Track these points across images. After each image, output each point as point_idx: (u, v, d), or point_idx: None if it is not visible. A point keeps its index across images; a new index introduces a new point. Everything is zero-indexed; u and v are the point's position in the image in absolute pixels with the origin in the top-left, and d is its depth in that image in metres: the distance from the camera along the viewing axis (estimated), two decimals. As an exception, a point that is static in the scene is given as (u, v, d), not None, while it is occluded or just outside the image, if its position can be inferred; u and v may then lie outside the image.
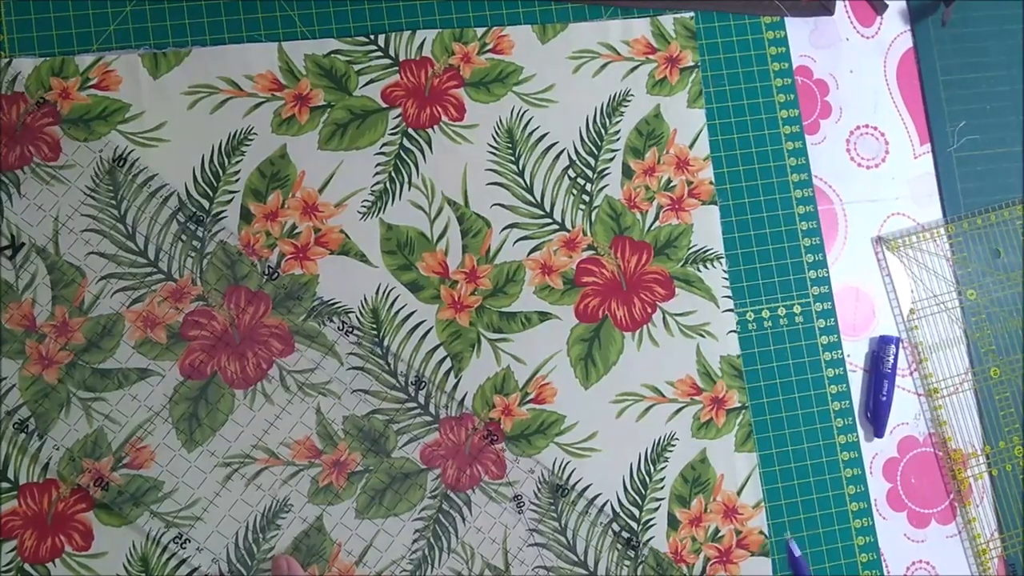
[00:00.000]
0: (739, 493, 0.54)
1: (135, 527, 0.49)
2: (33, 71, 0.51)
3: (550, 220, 0.55)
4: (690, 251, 0.56)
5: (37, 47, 0.52)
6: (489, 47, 0.55)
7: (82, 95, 0.52)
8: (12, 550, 0.48)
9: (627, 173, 0.56)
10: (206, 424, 0.50)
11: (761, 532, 0.54)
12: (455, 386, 0.52)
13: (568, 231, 0.55)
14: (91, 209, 0.51)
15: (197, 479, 0.50)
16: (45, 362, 0.49)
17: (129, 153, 0.51)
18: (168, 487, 0.50)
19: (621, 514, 0.53)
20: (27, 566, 0.48)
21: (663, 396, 0.54)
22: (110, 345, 0.50)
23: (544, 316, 0.54)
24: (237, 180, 0.52)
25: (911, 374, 0.58)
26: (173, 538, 0.49)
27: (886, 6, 0.60)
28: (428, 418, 0.52)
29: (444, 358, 0.53)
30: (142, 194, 0.51)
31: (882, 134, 0.59)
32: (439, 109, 0.54)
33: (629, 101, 0.56)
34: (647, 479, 0.53)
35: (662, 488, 0.53)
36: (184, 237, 0.51)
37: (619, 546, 0.52)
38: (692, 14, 0.57)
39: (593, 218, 0.55)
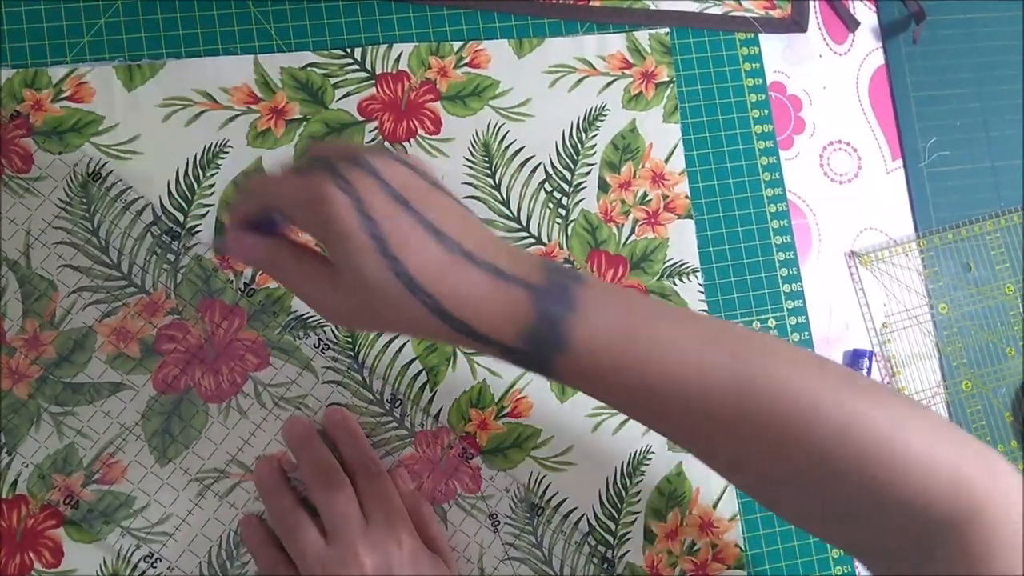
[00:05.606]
0: (715, 506, 0.54)
1: (105, 544, 0.48)
2: (5, 83, 0.51)
3: (526, 233, 0.55)
4: (666, 265, 0.56)
5: (9, 58, 0.51)
6: (466, 61, 0.55)
7: (55, 107, 0.51)
8: (-20, 568, 0.48)
9: (603, 187, 0.56)
10: (179, 439, 0.50)
11: (737, 545, 0.54)
12: (431, 400, 0.52)
13: (544, 245, 0.55)
14: (64, 222, 0.50)
15: (169, 495, 0.49)
16: (15, 376, 0.49)
17: (103, 166, 0.51)
18: (139, 503, 0.49)
19: (597, 527, 0.53)
20: (-5, 584, 0.48)
21: (639, 410, 0.54)
22: (82, 359, 0.50)
23: (520, 330, 0.54)
24: (212, 193, 0.52)
25: (884, 387, 0.58)
26: (143, 556, 0.48)
27: (858, 23, 0.61)
28: (404, 432, 0.52)
29: (420, 372, 0.52)
30: (116, 207, 0.51)
31: (855, 150, 0.60)
32: (415, 122, 0.55)
33: (605, 115, 0.56)
34: (623, 492, 0.53)
35: (638, 502, 0.54)
36: (158, 250, 0.51)
37: (595, 560, 0.52)
38: (667, 30, 0.58)
39: (569, 232, 0.55)
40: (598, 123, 0.56)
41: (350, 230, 0.33)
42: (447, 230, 0.35)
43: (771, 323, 0.56)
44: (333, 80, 0.54)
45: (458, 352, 0.53)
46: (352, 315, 0.36)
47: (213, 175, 0.52)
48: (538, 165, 0.55)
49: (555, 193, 0.55)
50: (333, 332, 0.52)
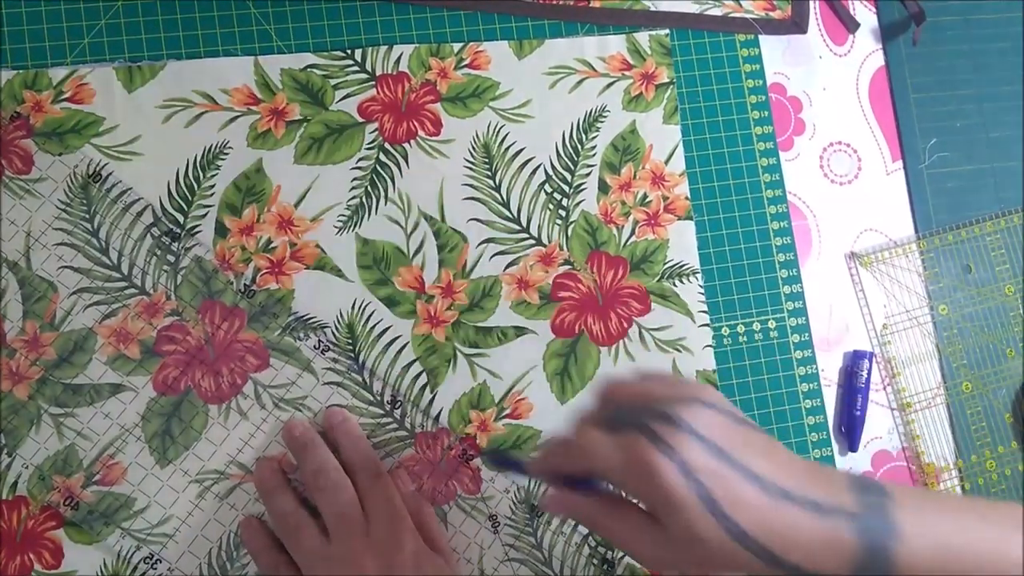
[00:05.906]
0: (715, 507, 0.54)
1: (105, 545, 0.48)
2: (5, 84, 0.51)
3: (526, 235, 0.55)
4: (666, 266, 0.56)
5: (10, 59, 0.51)
6: (466, 62, 0.55)
7: (55, 108, 0.51)
8: (-20, 569, 0.48)
9: (603, 188, 0.56)
10: (179, 441, 0.50)
11: (737, 546, 0.54)
12: (431, 401, 0.52)
13: (544, 246, 0.55)
14: (64, 223, 0.50)
15: (170, 497, 0.49)
16: (15, 378, 0.49)
17: (103, 167, 0.51)
18: (140, 505, 0.49)
19: (597, 529, 0.53)
20: (-5, 586, 0.48)
21: (639, 411, 0.54)
22: (82, 361, 0.50)
23: (520, 331, 0.54)
24: (212, 194, 0.52)
25: (884, 388, 0.58)
26: (144, 558, 0.48)
27: (858, 25, 0.61)
28: (404, 433, 0.52)
29: (420, 373, 0.52)
30: (116, 208, 0.51)
31: (855, 151, 0.60)
32: (416, 124, 0.55)
33: (605, 117, 0.56)
34: (624, 493, 0.53)
35: (638, 502, 0.53)
36: (158, 252, 0.51)
37: (595, 561, 0.52)
38: (667, 31, 0.58)
39: (569, 233, 0.55)
40: (598, 124, 0.56)
41: (679, 495, 0.34)
42: (762, 471, 0.35)
43: (771, 324, 0.56)
44: (333, 81, 0.54)
45: (458, 354, 0.53)
46: (677, 565, 0.37)
47: (213, 176, 0.52)
48: (538, 166, 0.55)
49: (555, 194, 0.55)
50: (334, 333, 0.52)
